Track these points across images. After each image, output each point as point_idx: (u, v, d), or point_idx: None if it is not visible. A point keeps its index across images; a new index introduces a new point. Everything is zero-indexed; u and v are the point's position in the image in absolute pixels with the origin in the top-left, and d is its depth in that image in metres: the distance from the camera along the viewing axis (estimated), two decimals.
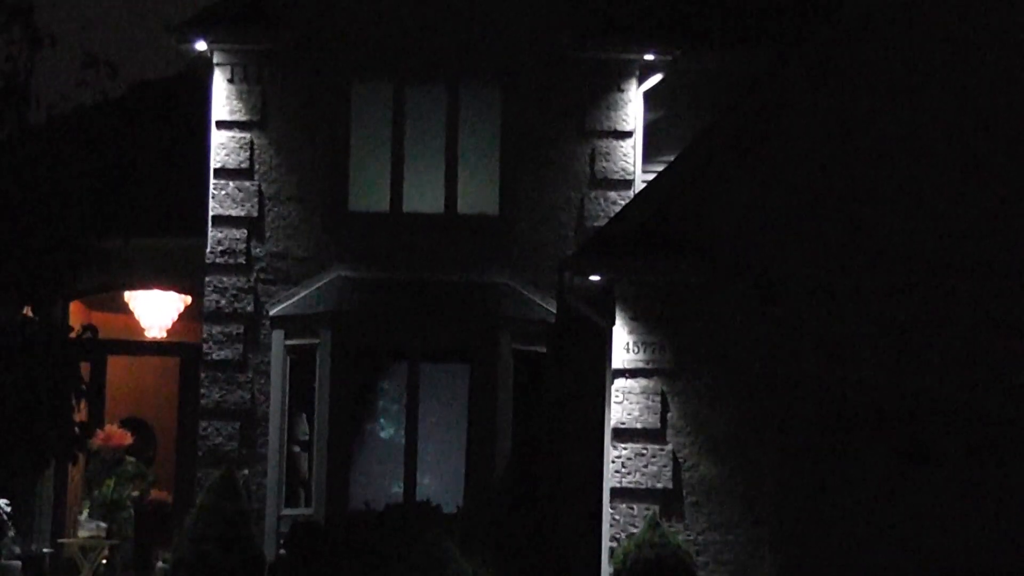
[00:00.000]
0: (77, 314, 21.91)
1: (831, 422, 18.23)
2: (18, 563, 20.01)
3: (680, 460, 18.40)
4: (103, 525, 21.18)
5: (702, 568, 18.07)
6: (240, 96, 21.03)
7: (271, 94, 21.05)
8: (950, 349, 18.28)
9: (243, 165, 20.98)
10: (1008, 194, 18.47)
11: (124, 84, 23.34)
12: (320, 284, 20.82)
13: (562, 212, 21.01)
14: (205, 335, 20.81)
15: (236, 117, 21.04)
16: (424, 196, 21.18)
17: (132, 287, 22.21)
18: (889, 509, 18.10)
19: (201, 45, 20.88)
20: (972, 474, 18.07)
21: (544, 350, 20.66)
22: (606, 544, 18.58)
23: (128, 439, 21.71)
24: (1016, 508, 18.02)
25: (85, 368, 20.86)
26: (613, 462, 18.49)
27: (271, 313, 20.79)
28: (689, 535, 18.21)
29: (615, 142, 21.01)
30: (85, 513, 21.73)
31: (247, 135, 21.03)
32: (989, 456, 18.10)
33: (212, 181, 20.99)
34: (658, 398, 18.49)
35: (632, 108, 21.03)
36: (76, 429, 17.46)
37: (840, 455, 18.17)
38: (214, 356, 20.74)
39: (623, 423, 18.51)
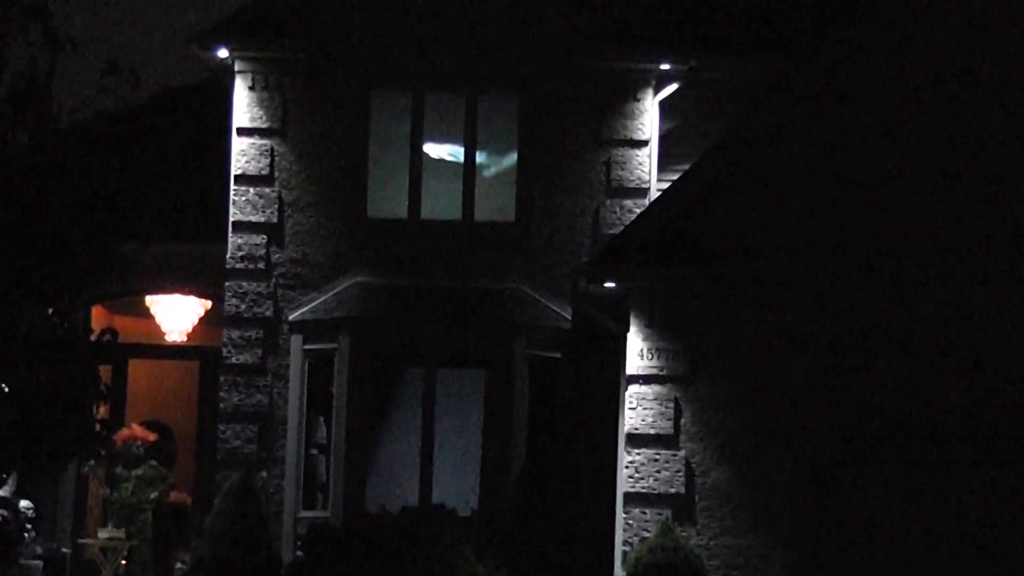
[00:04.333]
0: (99, 318, 22.07)
1: (844, 430, 18.16)
2: (39, 563, 20.04)
3: (693, 466, 18.39)
4: (120, 535, 21.11)
5: (713, 572, 18.04)
6: (261, 104, 21.05)
7: (291, 102, 21.06)
8: (963, 359, 18.22)
9: (263, 172, 20.98)
10: (1012, 203, 18.41)
11: (147, 91, 23.09)
12: (338, 290, 20.80)
13: (578, 220, 20.97)
14: (225, 339, 20.84)
15: (257, 124, 21.04)
16: (442, 203, 21.16)
17: (153, 292, 22.20)
18: (901, 517, 18.06)
19: (223, 53, 20.89)
20: (985, 483, 18.00)
21: (559, 356, 20.60)
22: (619, 548, 18.58)
23: (151, 437, 21.64)
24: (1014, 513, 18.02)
25: (106, 371, 20.63)
26: (626, 467, 18.50)
27: (290, 318, 20.78)
28: (701, 540, 18.19)
29: (631, 151, 20.97)
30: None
31: (267, 142, 21.03)
32: (1002, 465, 18.02)
33: (232, 187, 21.03)
34: (671, 404, 18.46)
35: (648, 117, 21.01)
36: (97, 427, 17.74)
37: (852, 463, 18.13)
38: (233, 360, 20.75)
39: (637, 429, 18.49)
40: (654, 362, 18.52)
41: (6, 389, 16.36)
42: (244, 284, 20.84)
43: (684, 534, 18.03)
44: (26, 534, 20.14)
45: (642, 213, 19.29)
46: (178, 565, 20.24)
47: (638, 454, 18.45)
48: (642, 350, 18.54)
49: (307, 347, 20.68)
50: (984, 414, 18.14)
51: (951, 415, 18.16)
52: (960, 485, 18.02)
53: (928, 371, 18.25)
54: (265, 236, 20.90)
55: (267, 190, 20.98)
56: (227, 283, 20.89)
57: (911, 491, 18.07)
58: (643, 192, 20.89)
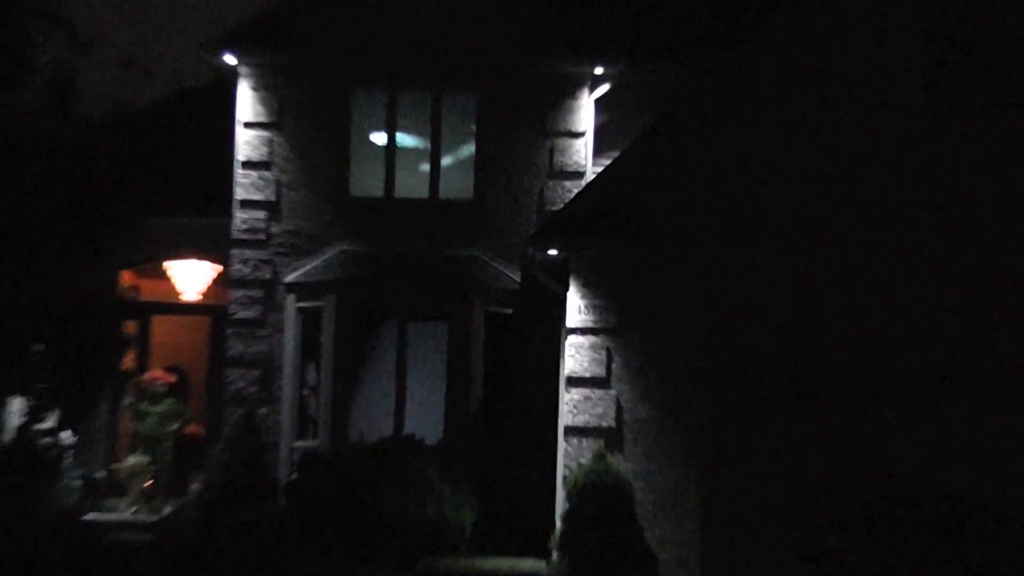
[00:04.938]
0: (128, 280, 23.32)
1: (746, 371, 18.49)
2: (78, 483, 21.08)
3: (622, 403, 18.82)
4: (145, 461, 21.69)
5: (639, 491, 18.56)
6: (262, 101, 21.83)
7: (286, 99, 21.77)
8: (840, 313, 18.48)
9: (264, 158, 21.81)
10: (894, 180, 18.60)
11: (165, 91, 24.53)
12: (326, 256, 21.63)
13: (526, 198, 21.78)
14: (231, 298, 21.69)
15: (259, 119, 21.81)
16: (412, 184, 21.83)
17: (172, 258, 23.13)
18: (792, 442, 18.34)
19: (230, 59, 21.72)
20: (855, 412, 18.33)
21: (510, 312, 21.39)
22: (560, 471, 19.06)
23: (172, 378, 22.34)
24: (886, 437, 18.24)
25: (134, 326, 22.47)
26: (566, 404, 18.91)
27: (285, 280, 21.64)
28: (628, 465, 18.64)
29: (570, 140, 21.82)
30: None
31: (267, 134, 21.80)
32: (868, 398, 18.36)
33: (239, 171, 21.84)
34: (604, 352, 18.84)
35: (585, 112, 21.81)
36: (122, 378, 18.97)
37: (752, 399, 18.49)
38: (238, 315, 21.62)
39: (575, 372, 18.88)
40: (589, 317, 18.94)
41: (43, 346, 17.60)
42: (248, 252, 21.71)
43: (615, 460, 18.44)
44: (67, 460, 21.07)
45: (579, 192, 19.38)
46: (193, 486, 20.89)
47: (576, 393, 18.83)
48: (579, 306, 18.92)
49: (300, 305, 21.44)
50: (858, 359, 18.34)
51: (833, 359, 18.33)
52: (838, 415, 18.31)
53: (814, 324, 18.42)
54: (265, 212, 21.74)
55: (267, 173, 21.81)
56: (233, 251, 21.73)
57: (800, 421, 18.32)
58: (580, 175, 21.76)
